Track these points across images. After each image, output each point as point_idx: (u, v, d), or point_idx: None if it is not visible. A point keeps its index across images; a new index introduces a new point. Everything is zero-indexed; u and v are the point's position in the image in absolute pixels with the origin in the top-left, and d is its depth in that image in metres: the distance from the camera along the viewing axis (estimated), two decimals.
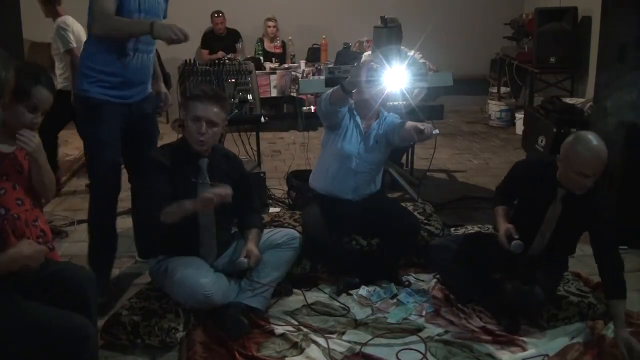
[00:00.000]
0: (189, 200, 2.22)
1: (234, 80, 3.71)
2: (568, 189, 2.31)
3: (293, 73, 5.92)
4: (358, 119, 2.83)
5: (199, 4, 6.41)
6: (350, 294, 2.68)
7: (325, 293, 2.68)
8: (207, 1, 6.39)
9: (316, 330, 2.38)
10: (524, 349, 2.26)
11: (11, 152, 1.94)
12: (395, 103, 3.96)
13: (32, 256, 1.75)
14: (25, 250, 1.74)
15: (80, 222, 3.45)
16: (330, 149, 2.85)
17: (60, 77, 4.19)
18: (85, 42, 2.56)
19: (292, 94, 5.94)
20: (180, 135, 2.54)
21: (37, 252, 1.77)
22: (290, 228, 2.83)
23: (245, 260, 2.34)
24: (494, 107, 6.44)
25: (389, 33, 3.48)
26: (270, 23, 6.32)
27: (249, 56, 5.94)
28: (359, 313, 2.53)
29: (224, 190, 2.19)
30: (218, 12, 6.24)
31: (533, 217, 2.42)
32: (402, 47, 4.31)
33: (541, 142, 4.65)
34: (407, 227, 2.77)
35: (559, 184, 2.33)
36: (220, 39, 6.33)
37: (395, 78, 2.78)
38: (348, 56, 5.25)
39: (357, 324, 2.45)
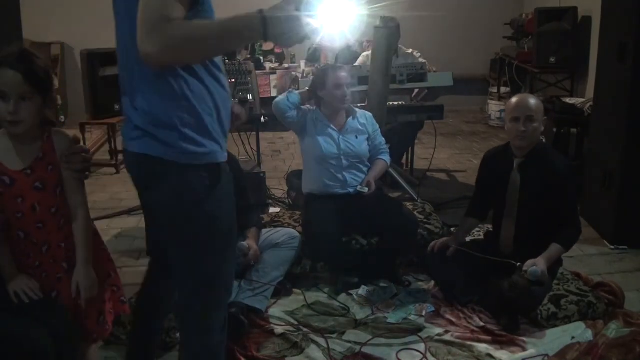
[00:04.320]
0: None
1: (234, 80, 3.71)
2: (517, 152, 2.49)
3: (293, 73, 5.92)
4: (326, 121, 2.92)
5: None
6: (350, 294, 2.68)
7: (325, 293, 2.68)
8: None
9: (316, 330, 2.38)
10: (524, 349, 2.26)
11: (26, 168, 1.65)
12: (395, 103, 3.97)
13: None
14: (13, 286, 1.65)
15: None
16: (310, 154, 2.95)
17: None
18: None
19: None
20: None
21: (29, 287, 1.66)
22: (290, 228, 2.83)
23: (245, 243, 2.40)
24: (494, 107, 6.44)
25: (388, 33, 3.48)
26: None
27: (248, 56, 5.95)
28: (359, 313, 2.53)
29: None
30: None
31: (499, 195, 2.55)
32: (401, 46, 4.32)
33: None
34: (405, 222, 2.78)
35: (515, 156, 2.50)
36: None
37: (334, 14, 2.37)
38: (348, 56, 5.25)
39: (357, 324, 2.45)
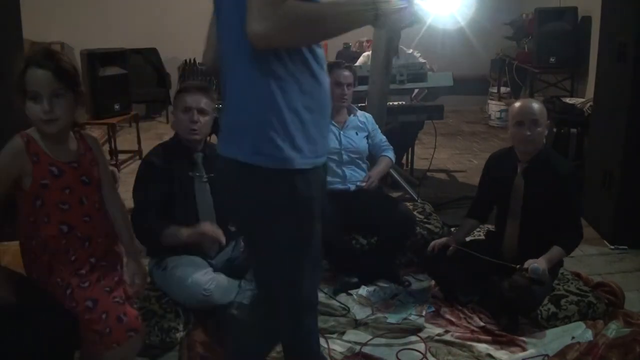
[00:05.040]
0: (186, 229, 2.27)
1: None
2: (521, 157, 2.48)
3: None
4: (331, 122, 2.93)
5: (203, 4, 6.41)
6: (350, 294, 2.68)
7: (325, 293, 2.68)
8: (210, 2, 6.40)
9: None
10: (524, 349, 2.26)
11: (73, 161, 1.68)
12: (395, 103, 3.97)
13: None
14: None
15: None
16: None
17: None
18: None
19: None
20: None
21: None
22: None
23: None
24: (494, 107, 6.44)
25: (389, 33, 3.48)
26: None
27: None
28: (359, 313, 2.53)
29: (220, 235, 2.26)
30: None
31: (503, 199, 2.55)
32: (401, 46, 4.32)
33: None
34: (402, 219, 2.80)
35: (519, 160, 2.50)
36: None
37: None
38: (348, 56, 5.25)
39: (357, 324, 2.45)
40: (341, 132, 2.96)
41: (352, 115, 3.04)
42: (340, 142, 2.94)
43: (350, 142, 2.96)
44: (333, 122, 2.94)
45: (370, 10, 1.26)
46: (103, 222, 1.76)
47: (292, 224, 1.40)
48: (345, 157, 2.94)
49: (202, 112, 2.38)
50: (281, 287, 1.50)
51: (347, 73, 2.92)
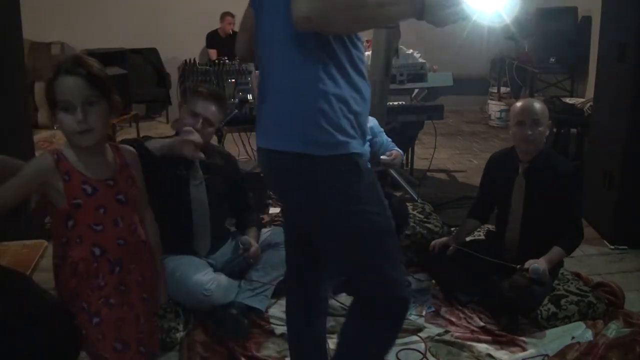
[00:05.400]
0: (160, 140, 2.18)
1: (234, 80, 3.71)
2: (522, 157, 2.48)
3: None
4: None
5: (203, 4, 6.42)
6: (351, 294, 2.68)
7: None
8: (211, 2, 6.41)
9: None
10: (524, 349, 2.26)
11: (108, 178, 1.52)
12: (395, 103, 3.97)
13: None
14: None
15: None
16: None
17: None
18: None
19: None
20: None
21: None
22: None
23: (247, 237, 2.44)
24: (494, 107, 6.44)
25: (388, 33, 3.48)
26: None
27: None
28: None
29: (198, 138, 2.14)
30: (230, 13, 6.26)
31: (504, 199, 2.55)
32: (401, 47, 4.31)
33: None
34: (392, 210, 2.79)
35: (520, 160, 2.49)
36: (224, 40, 6.34)
37: None
38: None
39: None
40: None
41: None
42: None
43: None
44: None
45: (415, 3, 1.24)
46: (138, 246, 1.59)
47: (365, 204, 1.38)
48: None
49: (207, 121, 2.35)
50: (376, 276, 1.44)
51: None
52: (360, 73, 1.37)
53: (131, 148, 1.63)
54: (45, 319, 1.60)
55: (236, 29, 6.39)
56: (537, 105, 2.46)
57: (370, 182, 1.41)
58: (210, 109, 2.35)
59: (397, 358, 2.21)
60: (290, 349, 1.81)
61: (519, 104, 2.50)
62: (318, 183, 1.35)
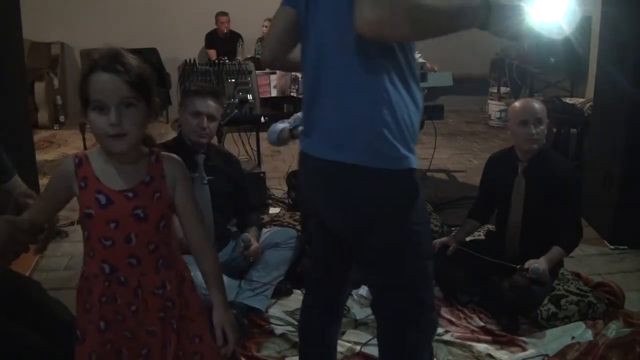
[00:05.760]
0: None
1: (234, 80, 3.72)
2: (522, 157, 2.49)
3: (293, 73, 5.92)
4: None
5: (203, 4, 6.43)
6: (351, 294, 2.68)
7: None
8: (210, 2, 6.41)
9: None
10: (524, 349, 2.26)
11: (127, 190, 1.34)
12: None
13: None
14: None
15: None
16: None
17: None
18: None
19: (292, 94, 5.93)
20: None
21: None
22: (290, 228, 2.83)
23: (248, 235, 2.45)
24: (494, 107, 6.44)
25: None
26: (266, 23, 6.34)
27: (249, 56, 5.95)
28: (359, 313, 2.53)
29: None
30: (224, 12, 6.26)
31: (504, 199, 2.55)
32: None
33: None
34: None
35: (519, 160, 2.50)
36: (223, 40, 6.35)
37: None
38: None
39: (357, 324, 2.45)
40: None
41: None
42: None
43: None
44: None
45: (481, 10, 1.21)
46: (158, 269, 1.39)
47: (417, 224, 1.36)
48: None
49: (211, 117, 2.39)
50: (411, 297, 1.43)
51: None
52: (417, 80, 1.32)
53: (179, 159, 1.43)
54: (50, 330, 1.60)
55: (231, 27, 6.43)
56: (537, 104, 2.47)
57: (422, 201, 1.38)
58: (210, 105, 2.39)
59: None
60: (304, 352, 1.77)
61: (518, 104, 2.51)
62: (374, 198, 1.30)
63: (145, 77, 1.30)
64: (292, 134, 2.91)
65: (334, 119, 1.29)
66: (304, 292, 2.63)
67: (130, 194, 1.34)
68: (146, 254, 1.36)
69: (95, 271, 1.36)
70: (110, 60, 1.27)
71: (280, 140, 2.98)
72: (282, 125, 2.99)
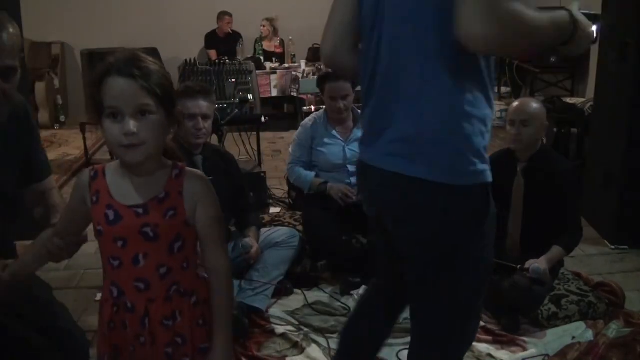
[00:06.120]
0: None
1: (234, 80, 3.72)
2: (521, 156, 2.49)
3: (293, 73, 5.92)
4: (334, 132, 2.94)
5: (203, 4, 6.42)
6: (351, 294, 2.68)
7: (326, 293, 2.68)
8: (210, 2, 6.41)
9: (317, 330, 2.38)
10: (524, 349, 2.26)
11: (138, 205, 1.22)
12: None
13: None
14: None
15: None
16: (317, 164, 2.98)
17: None
18: None
19: (292, 93, 5.94)
20: None
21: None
22: (291, 227, 2.84)
23: (248, 240, 2.45)
24: (494, 107, 6.45)
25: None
26: (265, 23, 6.33)
27: (249, 56, 5.95)
28: None
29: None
30: (227, 13, 6.26)
31: (504, 199, 2.53)
32: None
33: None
34: None
35: (519, 160, 2.51)
36: (222, 40, 6.34)
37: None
38: None
39: None
40: (345, 146, 2.93)
41: (357, 127, 2.93)
42: (345, 157, 2.91)
43: (355, 154, 2.88)
44: (337, 135, 2.94)
45: (568, 25, 1.16)
46: (170, 296, 1.25)
47: (487, 243, 1.31)
48: (350, 168, 2.88)
49: (205, 117, 2.39)
50: (467, 313, 1.37)
51: (340, 84, 2.81)
52: (494, 84, 1.25)
53: (204, 178, 1.30)
54: (51, 335, 1.60)
55: (235, 28, 6.43)
56: (532, 105, 2.46)
57: (494, 214, 1.31)
58: (202, 105, 2.39)
59: (398, 358, 2.22)
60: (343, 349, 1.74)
61: (515, 103, 2.52)
62: (447, 214, 1.22)
63: (165, 84, 1.19)
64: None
65: (408, 127, 1.19)
66: (303, 290, 2.65)
67: (140, 210, 1.21)
68: (156, 278, 1.23)
69: (106, 294, 1.27)
70: (127, 63, 1.16)
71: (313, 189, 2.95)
72: (308, 173, 2.96)
